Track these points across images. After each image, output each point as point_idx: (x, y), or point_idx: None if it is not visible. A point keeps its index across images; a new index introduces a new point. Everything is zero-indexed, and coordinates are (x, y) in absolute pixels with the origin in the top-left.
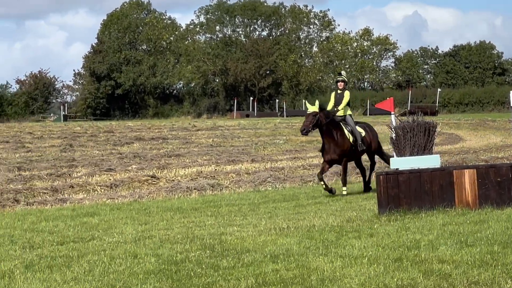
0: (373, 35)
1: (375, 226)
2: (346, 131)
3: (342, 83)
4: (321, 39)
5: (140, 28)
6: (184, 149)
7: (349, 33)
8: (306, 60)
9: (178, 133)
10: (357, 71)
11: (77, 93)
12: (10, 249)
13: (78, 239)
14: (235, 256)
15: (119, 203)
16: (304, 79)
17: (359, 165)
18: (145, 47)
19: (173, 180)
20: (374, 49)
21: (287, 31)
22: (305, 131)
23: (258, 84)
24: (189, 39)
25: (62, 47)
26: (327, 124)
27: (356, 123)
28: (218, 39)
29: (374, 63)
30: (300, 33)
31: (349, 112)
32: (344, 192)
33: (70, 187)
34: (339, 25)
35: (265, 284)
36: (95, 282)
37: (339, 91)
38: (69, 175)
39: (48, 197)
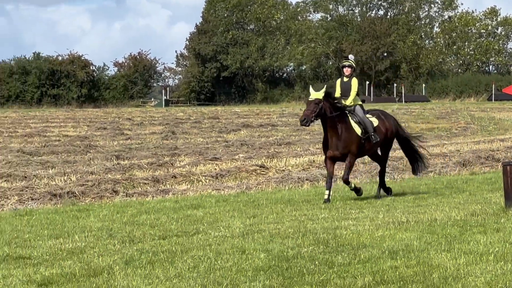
0: (499, 15)
1: (501, 221)
2: (352, 123)
3: (350, 69)
4: (443, 19)
5: (249, 6)
6: (295, 136)
7: (473, 12)
8: (427, 41)
9: (289, 119)
10: (481, 54)
11: (180, 76)
12: (108, 243)
13: (181, 233)
14: (350, 252)
15: (225, 194)
16: (424, 61)
17: (377, 158)
18: (253, 26)
19: (283, 170)
20: (500, 30)
21: (405, 10)
22: (305, 122)
23: (374, 67)
24: (300, 18)
25: (165, 27)
26: (332, 116)
27: (367, 111)
28: (332, 18)
29: (500, 45)
30: (420, 12)
31: (358, 102)
32: (352, 187)
33: (172, 177)
34: (462, 3)
35: (383, 282)
36: (200, 279)
37: (345, 79)
38: (172, 164)
39: (149, 187)
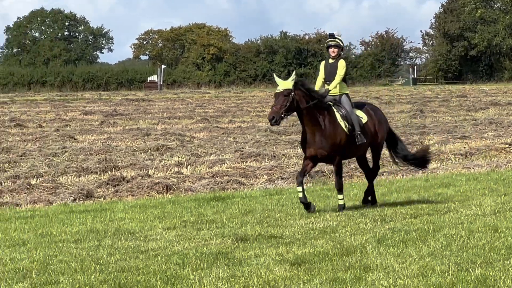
0: None
1: None
2: (338, 116)
3: (336, 49)
4: None
5: None
6: None
7: None
8: None
9: None
10: None
11: (427, 55)
12: (360, 222)
13: (433, 211)
14: None
15: (475, 173)
16: None
17: (363, 164)
18: (500, 5)
19: None
20: None
21: None
22: (274, 120)
23: None
24: None
25: (414, 6)
26: (309, 107)
27: (355, 104)
28: None
29: None
30: None
31: (345, 90)
32: (341, 202)
33: None
34: None
35: None
36: (453, 257)
37: (330, 61)
38: (421, 142)
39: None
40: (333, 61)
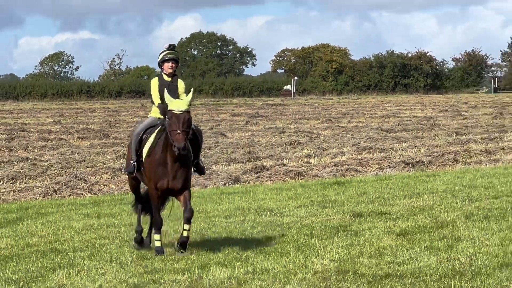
0: None
1: None
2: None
3: (175, 64)
4: None
5: None
6: None
7: None
8: None
9: None
10: None
11: (505, 69)
12: (452, 202)
13: (510, 193)
14: None
15: None
16: None
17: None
18: None
19: None
20: None
21: None
22: (184, 149)
23: None
24: None
25: (497, 29)
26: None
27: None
28: None
29: None
30: None
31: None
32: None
33: (501, 149)
34: None
35: None
36: None
37: (166, 78)
38: (500, 139)
39: (482, 158)
40: (170, 78)
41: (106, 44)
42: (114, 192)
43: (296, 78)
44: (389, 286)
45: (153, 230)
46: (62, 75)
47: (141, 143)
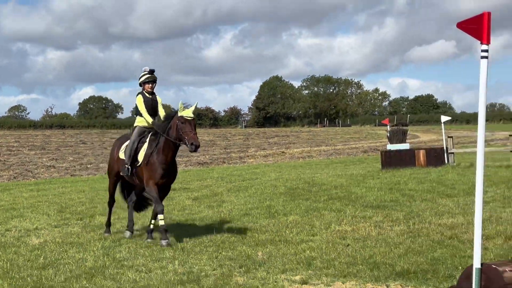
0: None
1: (379, 175)
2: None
3: (154, 85)
4: None
5: None
6: None
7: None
8: None
9: None
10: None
11: (250, 115)
12: (221, 182)
13: (251, 177)
14: None
15: None
16: None
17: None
18: None
19: None
20: None
21: None
22: (199, 146)
23: None
24: None
25: (246, 97)
26: None
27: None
28: None
29: None
30: None
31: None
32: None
33: (247, 156)
34: None
35: None
36: None
37: (147, 95)
38: (247, 151)
39: (237, 160)
40: (151, 95)
41: None
42: (47, 178)
43: None
44: (190, 228)
45: (158, 215)
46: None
47: (136, 150)
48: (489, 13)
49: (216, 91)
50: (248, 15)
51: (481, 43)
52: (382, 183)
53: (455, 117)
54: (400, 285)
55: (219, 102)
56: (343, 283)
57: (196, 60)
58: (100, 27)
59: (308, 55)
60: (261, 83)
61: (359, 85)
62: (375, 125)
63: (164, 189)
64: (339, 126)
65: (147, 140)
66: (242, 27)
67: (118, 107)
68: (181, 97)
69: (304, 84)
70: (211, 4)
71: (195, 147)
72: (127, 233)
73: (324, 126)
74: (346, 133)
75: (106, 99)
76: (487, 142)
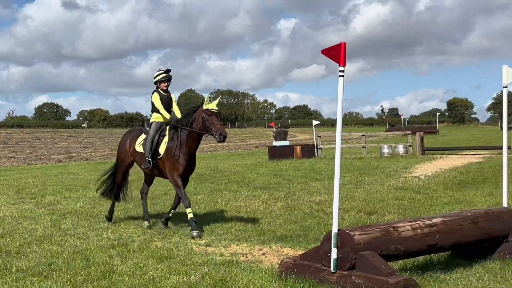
0: None
1: (267, 165)
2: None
3: (169, 83)
4: None
5: None
6: None
7: None
8: None
9: None
10: None
11: None
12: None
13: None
14: None
15: None
16: None
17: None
18: None
19: None
20: None
21: None
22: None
23: None
24: None
25: None
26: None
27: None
28: None
29: None
30: None
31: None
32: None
33: None
34: None
35: None
36: None
37: (162, 93)
38: None
39: None
40: (166, 93)
41: None
42: (8, 166)
43: None
44: (121, 206)
45: (186, 209)
46: None
47: (158, 143)
48: (345, 43)
49: (144, 100)
50: (170, 42)
51: (339, 65)
52: (268, 170)
53: (324, 122)
54: (280, 246)
55: (147, 109)
56: (237, 245)
57: (129, 76)
58: (53, 49)
59: (215, 73)
60: (179, 94)
61: (253, 97)
62: (265, 127)
63: (184, 181)
64: (238, 127)
65: (166, 133)
66: (165, 52)
67: (66, 111)
68: (118, 104)
69: (212, 95)
70: (142, 33)
71: (223, 137)
72: (145, 223)
73: (226, 128)
74: (243, 133)
75: (57, 105)
76: (346, 140)
